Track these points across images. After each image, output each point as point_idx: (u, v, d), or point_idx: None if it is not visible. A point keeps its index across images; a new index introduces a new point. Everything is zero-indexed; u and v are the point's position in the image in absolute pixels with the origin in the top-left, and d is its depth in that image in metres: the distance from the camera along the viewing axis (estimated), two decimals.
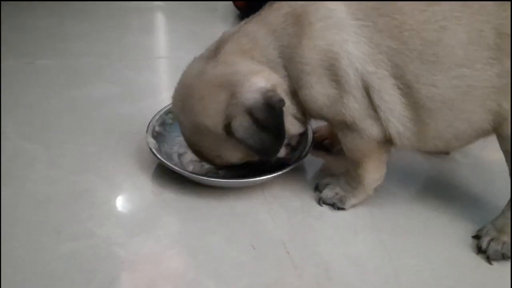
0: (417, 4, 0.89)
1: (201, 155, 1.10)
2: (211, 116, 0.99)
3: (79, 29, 2.10)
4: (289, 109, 1.02)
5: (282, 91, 1.00)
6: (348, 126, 1.00)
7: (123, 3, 2.40)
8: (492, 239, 1.01)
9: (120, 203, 1.17)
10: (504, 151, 0.97)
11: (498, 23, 0.86)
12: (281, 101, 0.97)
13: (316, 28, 0.94)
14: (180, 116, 1.07)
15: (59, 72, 1.73)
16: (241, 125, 0.96)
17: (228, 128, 0.98)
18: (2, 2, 2.24)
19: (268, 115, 0.96)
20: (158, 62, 1.88)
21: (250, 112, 0.95)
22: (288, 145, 1.12)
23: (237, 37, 1.02)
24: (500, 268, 0.99)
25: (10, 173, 1.22)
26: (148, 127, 1.26)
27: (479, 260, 1.01)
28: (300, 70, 0.97)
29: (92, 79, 1.69)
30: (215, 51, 1.03)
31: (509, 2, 0.86)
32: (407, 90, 0.92)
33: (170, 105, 1.21)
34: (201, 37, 2.03)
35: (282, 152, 1.08)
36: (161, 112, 1.31)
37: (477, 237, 1.04)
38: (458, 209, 1.13)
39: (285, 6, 0.99)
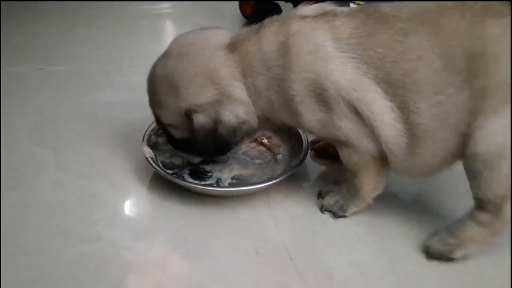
0: (395, 36, 0.91)
1: (151, 100, 1.12)
2: (190, 92, 1.03)
3: (89, 35, 2.13)
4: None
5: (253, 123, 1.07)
6: (343, 143, 1.02)
7: (133, 10, 2.43)
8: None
9: (127, 207, 1.19)
10: (468, 171, 0.93)
11: (469, 44, 0.86)
12: (245, 133, 1.07)
13: (303, 63, 0.97)
14: (172, 59, 1.06)
15: (69, 77, 1.76)
16: (202, 122, 1.03)
17: (189, 112, 1.03)
18: (13, 8, 2.28)
19: (227, 135, 1.04)
20: None
21: (216, 123, 1.03)
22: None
23: (242, 47, 1.03)
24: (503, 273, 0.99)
25: (20, 176, 1.25)
26: (144, 136, 1.27)
27: (482, 268, 1.01)
28: (290, 100, 1.00)
29: (101, 85, 1.72)
30: (232, 44, 1.04)
31: (481, 22, 0.85)
32: (400, 115, 0.94)
33: None
34: None
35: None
36: None
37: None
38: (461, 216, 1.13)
39: (281, 33, 0.99)
